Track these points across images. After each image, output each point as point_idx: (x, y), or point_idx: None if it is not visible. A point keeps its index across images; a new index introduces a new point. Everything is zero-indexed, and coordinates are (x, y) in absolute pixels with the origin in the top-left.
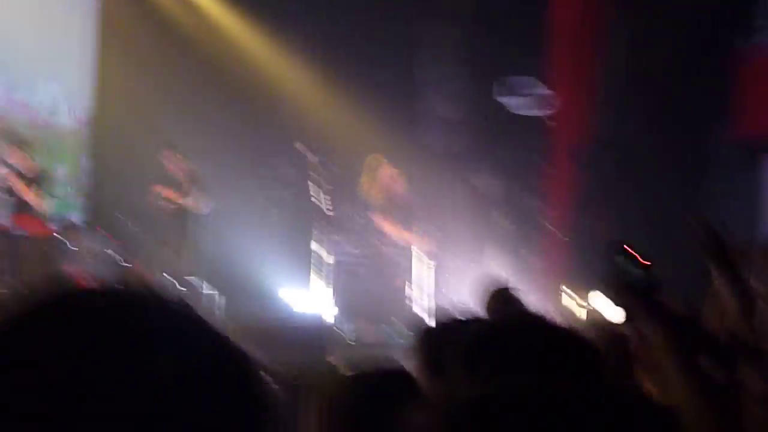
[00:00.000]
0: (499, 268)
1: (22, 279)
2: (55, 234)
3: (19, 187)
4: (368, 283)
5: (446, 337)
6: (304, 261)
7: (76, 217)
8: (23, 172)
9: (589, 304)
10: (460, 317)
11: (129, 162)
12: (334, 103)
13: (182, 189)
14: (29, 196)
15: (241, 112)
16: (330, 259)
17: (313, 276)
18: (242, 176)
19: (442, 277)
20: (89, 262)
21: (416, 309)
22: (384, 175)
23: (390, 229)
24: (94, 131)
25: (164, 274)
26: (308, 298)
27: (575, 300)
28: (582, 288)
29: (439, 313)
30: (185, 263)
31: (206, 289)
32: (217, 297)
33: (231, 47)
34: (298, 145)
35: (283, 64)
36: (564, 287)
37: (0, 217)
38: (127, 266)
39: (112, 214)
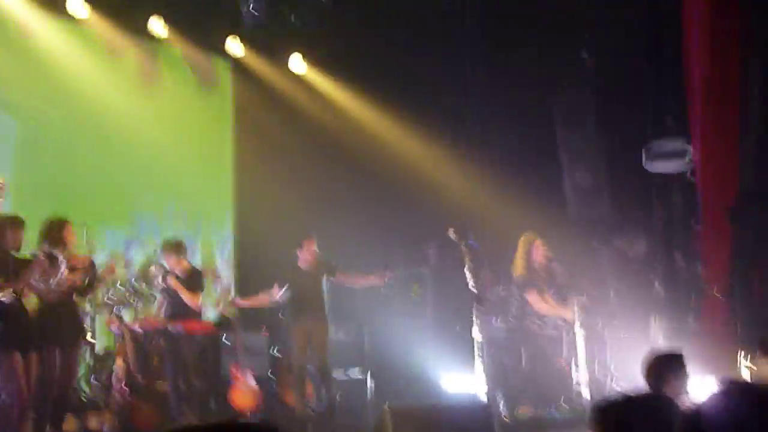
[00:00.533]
0: (657, 333)
1: (183, 376)
2: (212, 330)
3: (176, 287)
4: (524, 361)
5: (631, 414)
6: (458, 342)
7: (228, 311)
8: (178, 273)
9: (756, 365)
10: (631, 392)
11: (272, 252)
12: (479, 182)
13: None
14: (185, 295)
15: (382, 198)
16: (484, 339)
17: (467, 356)
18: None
19: (599, 348)
20: (244, 356)
21: (574, 384)
22: (537, 253)
23: (543, 306)
24: (236, 225)
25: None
26: (463, 378)
27: (746, 362)
28: (746, 349)
29: (597, 386)
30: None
31: (357, 374)
32: (368, 380)
33: (369, 134)
34: (450, 232)
35: (424, 146)
36: (737, 350)
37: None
38: (279, 357)
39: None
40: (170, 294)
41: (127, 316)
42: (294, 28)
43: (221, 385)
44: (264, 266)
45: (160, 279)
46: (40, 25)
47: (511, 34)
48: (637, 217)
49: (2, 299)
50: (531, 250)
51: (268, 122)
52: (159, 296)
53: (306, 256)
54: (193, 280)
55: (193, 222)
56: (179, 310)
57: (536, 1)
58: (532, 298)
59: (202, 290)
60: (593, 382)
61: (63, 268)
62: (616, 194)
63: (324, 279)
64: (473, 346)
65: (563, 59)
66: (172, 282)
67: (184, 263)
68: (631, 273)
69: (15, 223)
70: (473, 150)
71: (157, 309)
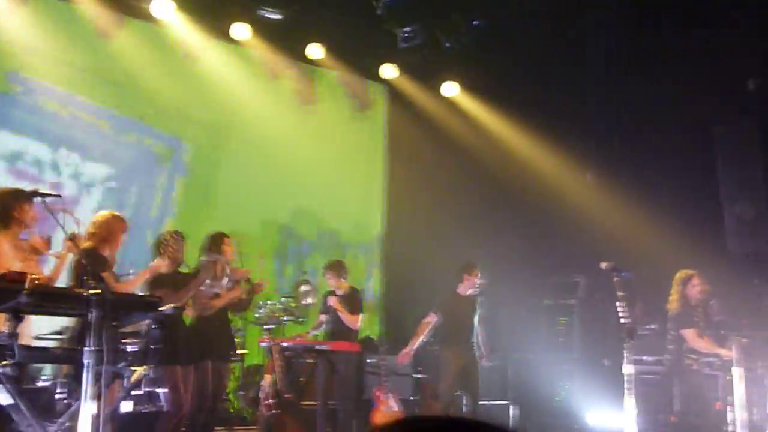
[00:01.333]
0: None
1: (328, 395)
2: (358, 351)
3: (336, 307)
4: (677, 400)
5: None
6: (606, 377)
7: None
8: (339, 293)
9: None
10: None
11: (420, 277)
12: (633, 214)
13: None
14: (345, 315)
15: (532, 225)
16: (635, 375)
17: (615, 392)
18: (537, 292)
19: (759, 391)
20: (388, 378)
21: (730, 427)
22: (693, 291)
23: (701, 344)
24: (386, 248)
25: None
26: (610, 415)
27: None
28: None
29: (755, 431)
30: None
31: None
32: (510, 410)
33: (521, 160)
34: (603, 263)
35: (577, 175)
36: None
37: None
38: (422, 380)
39: (404, 327)
40: (330, 313)
41: (276, 333)
42: (448, 52)
43: (365, 407)
44: (412, 288)
45: (309, 299)
46: (205, 50)
47: (672, 62)
48: None
49: (165, 311)
50: (687, 287)
51: (420, 146)
52: (319, 316)
53: (470, 283)
54: (353, 300)
55: (343, 242)
56: (338, 330)
57: (702, 30)
58: (689, 335)
59: (362, 312)
60: (751, 427)
61: (226, 278)
62: None
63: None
64: (622, 382)
65: (727, 88)
66: (334, 302)
67: (345, 284)
68: None
69: (178, 237)
70: (628, 180)
71: (315, 327)
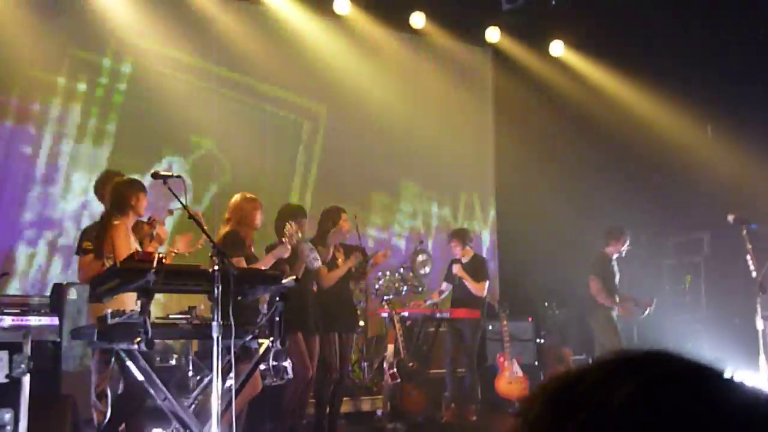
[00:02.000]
0: None
1: (458, 361)
2: (479, 318)
3: (461, 275)
4: None
5: None
6: (738, 335)
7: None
8: (464, 261)
9: None
10: None
11: (535, 242)
12: (755, 164)
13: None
14: (471, 283)
15: (649, 184)
16: (765, 330)
17: (749, 351)
18: (659, 252)
19: None
20: (510, 344)
21: None
22: None
23: None
24: (499, 213)
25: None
26: (746, 375)
27: None
28: None
29: None
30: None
31: None
32: None
33: (633, 116)
34: (729, 217)
35: (693, 127)
36: None
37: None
38: (542, 344)
39: (521, 293)
40: (455, 281)
41: (395, 303)
42: (552, 11)
43: (488, 373)
44: (528, 253)
45: (426, 268)
46: (308, 27)
47: None
48: None
49: (287, 284)
50: None
51: (529, 108)
52: (442, 284)
53: (619, 246)
54: (479, 268)
55: (453, 210)
56: (464, 297)
57: None
58: None
59: (488, 279)
60: None
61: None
62: None
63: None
64: (756, 340)
65: None
66: (458, 270)
67: (469, 251)
68: None
69: (300, 213)
70: (749, 130)
71: (435, 295)
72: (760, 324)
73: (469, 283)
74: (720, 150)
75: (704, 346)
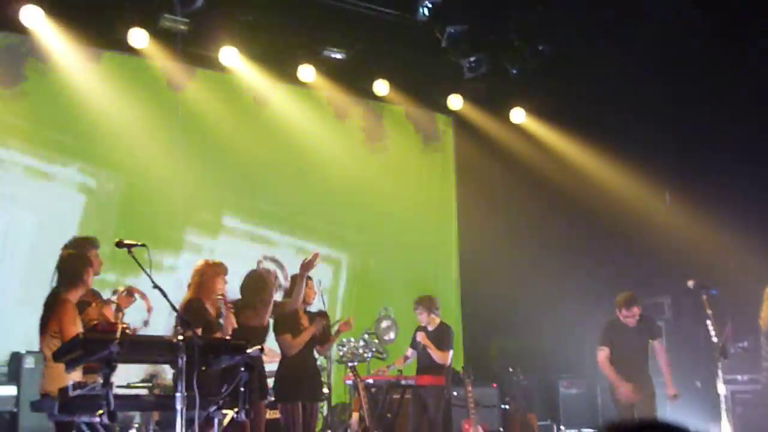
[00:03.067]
0: None
1: (423, 427)
2: (443, 384)
3: (425, 343)
4: None
5: None
6: (698, 399)
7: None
8: (429, 329)
9: None
10: None
11: (499, 307)
12: (715, 229)
13: None
14: (435, 352)
15: (610, 249)
16: (726, 394)
17: (708, 413)
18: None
19: None
20: (475, 410)
21: None
22: None
23: None
24: (463, 278)
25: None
26: None
27: None
28: None
29: None
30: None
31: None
32: None
33: (593, 183)
34: (689, 282)
35: (652, 194)
36: None
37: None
38: (507, 410)
39: (486, 358)
40: (419, 349)
41: (360, 369)
42: (513, 79)
43: None
44: (492, 318)
45: (391, 334)
46: (272, 94)
47: (746, 72)
48: None
49: (253, 354)
50: None
51: (490, 174)
52: (407, 350)
53: (633, 314)
54: (443, 336)
55: (418, 276)
56: (426, 365)
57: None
58: None
59: (451, 348)
60: None
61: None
62: None
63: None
64: (717, 404)
65: None
66: (422, 338)
67: (435, 319)
68: None
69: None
70: (707, 197)
71: (399, 361)
72: (721, 388)
73: (433, 352)
74: (678, 216)
75: (668, 410)
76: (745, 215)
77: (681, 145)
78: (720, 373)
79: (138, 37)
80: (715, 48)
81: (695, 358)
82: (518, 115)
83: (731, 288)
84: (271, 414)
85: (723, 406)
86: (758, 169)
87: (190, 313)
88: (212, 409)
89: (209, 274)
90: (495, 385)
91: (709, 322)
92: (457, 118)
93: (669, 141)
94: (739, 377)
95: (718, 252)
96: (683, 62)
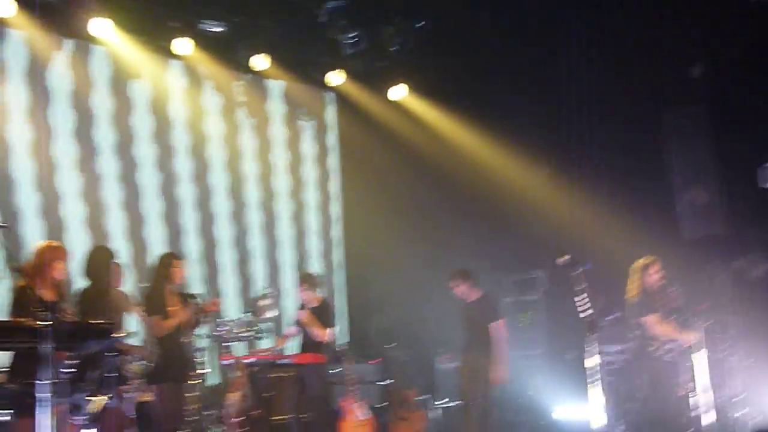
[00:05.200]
0: None
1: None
2: (323, 362)
3: (308, 320)
4: (642, 388)
5: None
6: (571, 371)
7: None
8: (309, 306)
9: None
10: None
11: (380, 283)
12: (587, 204)
13: None
14: (317, 329)
15: (487, 224)
16: (599, 367)
17: (581, 385)
18: (497, 291)
19: (723, 375)
20: (356, 387)
21: (696, 412)
22: (652, 278)
23: (663, 330)
24: (345, 255)
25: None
26: (577, 409)
27: None
28: None
29: (721, 414)
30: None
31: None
32: None
33: (472, 159)
34: (562, 257)
35: (528, 170)
36: None
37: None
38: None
39: (366, 334)
40: (301, 326)
41: (238, 349)
42: (393, 56)
43: (333, 418)
44: (372, 294)
45: (270, 313)
46: (147, 67)
47: (618, 51)
48: (755, 236)
49: (120, 338)
50: (646, 275)
51: (371, 150)
52: (289, 328)
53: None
54: (325, 314)
55: (300, 254)
56: (308, 343)
57: (645, 17)
58: (651, 321)
59: (333, 325)
60: (717, 411)
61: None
62: (733, 212)
63: None
64: (587, 375)
65: (675, 75)
66: (305, 316)
67: (317, 297)
68: (752, 295)
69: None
70: (580, 171)
71: (283, 340)
72: (588, 361)
73: (313, 330)
74: (552, 191)
75: (541, 382)
76: (613, 192)
77: (559, 121)
78: (589, 346)
79: (4, 5)
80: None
81: (569, 331)
82: (399, 92)
83: (604, 262)
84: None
85: (589, 378)
86: (633, 145)
87: (22, 300)
88: (80, 395)
89: (46, 257)
90: (375, 361)
91: (577, 297)
92: (339, 95)
93: (545, 115)
94: (608, 348)
95: (590, 227)
96: (561, 34)
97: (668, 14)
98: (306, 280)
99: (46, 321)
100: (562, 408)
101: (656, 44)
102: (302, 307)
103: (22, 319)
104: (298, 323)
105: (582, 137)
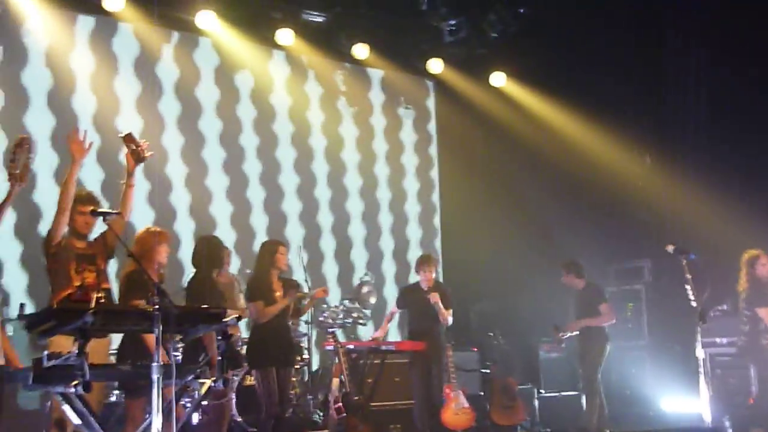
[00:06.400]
0: None
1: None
2: (423, 349)
3: (435, 302)
4: (755, 381)
5: None
6: (678, 362)
7: None
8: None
9: None
10: None
11: (481, 271)
12: (695, 194)
13: None
14: (444, 311)
15: (591, 212)
16: (709, 358)
17: (688, 377)
18: (601, 280)
19: None
20: (456, 374)
21: None
22: (762, 269)
23: None
24: (444, 243)
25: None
26: (685, 401)
27: None
28: None
29: None
30: None
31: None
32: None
33: (574, 147)
34: (669, 246)
35: (634, 158)
36: None
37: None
38: (488, 374)
39: (468, 322)
40: (421, 310)
41: (341, 335)
42: (493, 43)
43: (435, 404)
44: (473, 283)
45: (371, 299)
46: (251, 58)
47: (733, 36)
48: None
49: (230, 322)
50: (756, 266)
51: (471, 138)
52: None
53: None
54: (445, 295)
55: (400, 241)
56: (425, 326)
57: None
58: (764, 313)
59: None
60: None
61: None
62: None
63: None
64: (695, 366)
65: None
66: (436, 299)
67: (433, 278)
68: None
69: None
70: (688, 160)
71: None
72: (700, 352)
73: (442, 311)
74: (659, 179)
75: (647, 373)
76: (724, 180)
77: (662, 108)
78: (699, 337)
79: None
80: (700, 6)
81: (675, 322)
82: (499, 79)
83: (710, 252)
84: (247, 380)
85: (700, 369)
86: (739, 134)
87: (132, 284)
88: (189, 378)
89: (150, 242)
90: (475, 348)
91: (688, 286)
92: (438, 82)
93: (650, 104)
94: (717, 340)
95: (698, 216)
96: (664, 23)
97: None
98: (430, 262)
99: (157, 305)
100: (670, 399)
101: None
102: (417, 290)
103: (136, 303)
104: (418, 305)
105: (689, 125)
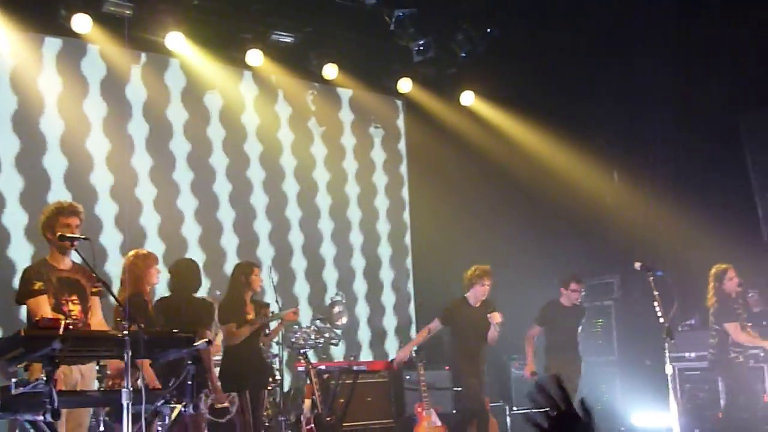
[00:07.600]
0: None
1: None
2: (395, 368)
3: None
4: (722, 395)
5: None
6: (647, 377)
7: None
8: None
9: None
10: None
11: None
12: (663, 210)
13: None
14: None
15: (560, 230)
16: (678, 373)
17: (658, 392)
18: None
19: None
20: (428, 393)
21: None
22: (730, 284)
23: (744, 337)
24: (414, 261)
25: None
26: (655, 415)
27: None
28: None
29: None
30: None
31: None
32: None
33: (543, 165)
34: (636, 264)
35: (601, 175)
36: None
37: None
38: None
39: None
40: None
41: (313, 356)
42: (462, 62)
43: (407, 423)
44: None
45: (343, 319)
46: (220, 77)
47: (693, 54)
48: None
49: (199, 347)
50: (724, 281)
51: (440, 157)
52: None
53: (572, 295)
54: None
55: (372, 260)
56: (476, 345)
57: (721, 21)
58: (732, 328)
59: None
60: None
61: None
62: None
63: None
64: (665, 381)
65: (754, 77)
66: (497, 318)
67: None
68: None
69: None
70: (654, 176)
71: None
72: (668, 368)
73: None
74: (627, 196)
75: (617, 388)
76: (690, 197)
77: (629, 125)
78: (667, 353)
79: (81, 22)
80: (663, 25)
81: (645, 337)
82: (468, 98)
83: (679, 266)
84: (220, 404)
85: (670, 384)
86: (706, 151)
87: (132, 309)
88: (159, 402)
89: (141, 266)
90: (447, 367)
91: (655, 303)
92: (408, 102)
93: (617, 122)
94: (687, 354)
95: (666, 231)
96: (629, 42)
97: (743, 17)
98: (491, 274)
99: (126, 331)
100: (641, 414)
101: (732, 47)
102: (465, 306)
103: (106, 330)
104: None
105: (656, 141)
